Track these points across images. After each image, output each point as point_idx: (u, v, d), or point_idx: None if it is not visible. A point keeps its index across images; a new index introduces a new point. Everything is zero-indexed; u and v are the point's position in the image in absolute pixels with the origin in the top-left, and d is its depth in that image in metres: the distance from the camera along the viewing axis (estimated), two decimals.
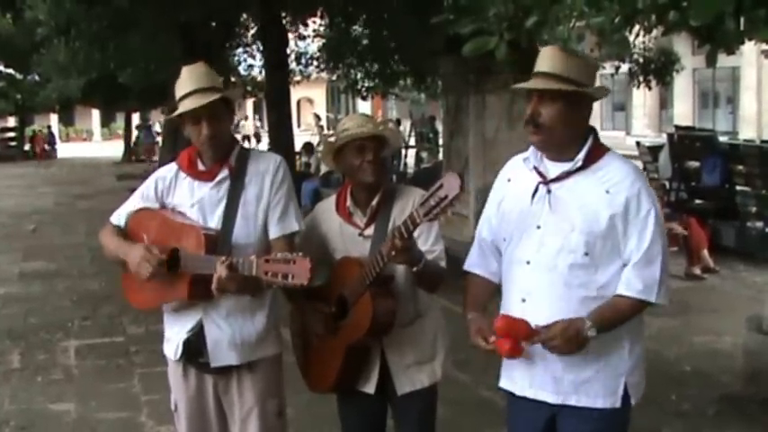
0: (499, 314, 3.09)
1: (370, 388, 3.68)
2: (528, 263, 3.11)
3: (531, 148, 3.21)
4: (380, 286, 3.48)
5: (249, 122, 50.07)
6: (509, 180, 3.30)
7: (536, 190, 3.13)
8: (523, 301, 3.11)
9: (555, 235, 3.07)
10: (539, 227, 3.10)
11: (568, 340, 2.94)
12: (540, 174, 3.14)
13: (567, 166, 3.10)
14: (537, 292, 3.08)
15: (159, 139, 30.75)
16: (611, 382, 3.09)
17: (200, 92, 3.46)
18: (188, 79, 3.52)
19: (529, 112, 3.06)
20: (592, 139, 3.12)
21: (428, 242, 3.55)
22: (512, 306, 3.15)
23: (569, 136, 3.09)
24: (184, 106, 3.48)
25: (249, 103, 50.65)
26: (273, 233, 3.55)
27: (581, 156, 3.08)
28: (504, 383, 3.29)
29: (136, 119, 41.59)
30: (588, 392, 3.09)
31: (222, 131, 3.53)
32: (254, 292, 3.48)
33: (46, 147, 40.58)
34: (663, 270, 3.05)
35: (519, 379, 3.20)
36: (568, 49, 3.16)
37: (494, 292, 3.32)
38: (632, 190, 3.03)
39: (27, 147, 42.27)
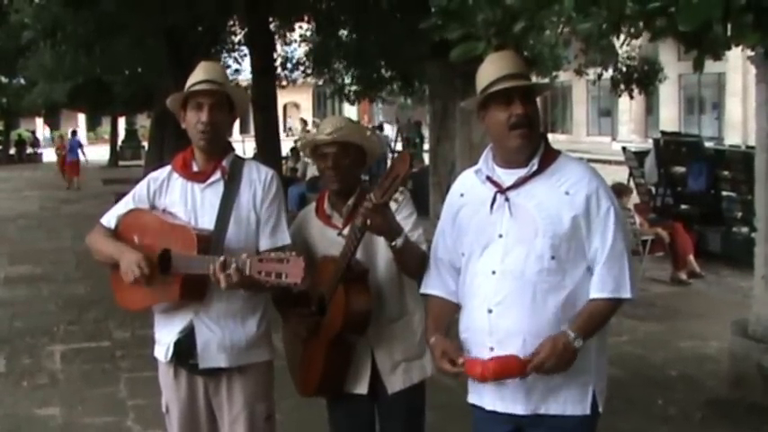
0: (492, 357, 2.96)
1: (362, 389, 3.65)
2: (494, 273, 3.05)
3: (483, 159, 3.18)
4: (355, 280, 3.47)
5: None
6: (462, 195, 3.24)
7: (494, 199, 3.08)
8: (490, 312, 3.04)
9: (519, 242, 3.02)
10: (501, 236, 3.06)
11: (560, 357, 2.90)
12: (495, 183, 3.11)
13: (520, 172, 3.07)
14: (505, 301, 3.02)
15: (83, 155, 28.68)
16: (580, 389, 3.06)
17: (211, 82, 3.53)
18: (201, 70, 3.59)
19: (520, 112, 3.01)
20: (544, 143, 3.11)
21: (406, 228, 3.47)
22: (476, 319, 3.09)
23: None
24: (194, 87, 3.53)
25: None
26: (264, 245, 3.55)
27: (536, 160, 3.06)
28: (472, 398, 3.23)
29: (122, 122, 41.49)
30: (557, 400, 3.06)
31: (220, 124, 3.55)
32: (254, 290, 3.46)
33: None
34: (630, 265, 3.04)
35: (489, 393, 3.14)
36: (512, 51, 3.23)
37: (454, 312, 3.26)
38: (590, 188, 3.02)
39: (12, 150, 42.16)
